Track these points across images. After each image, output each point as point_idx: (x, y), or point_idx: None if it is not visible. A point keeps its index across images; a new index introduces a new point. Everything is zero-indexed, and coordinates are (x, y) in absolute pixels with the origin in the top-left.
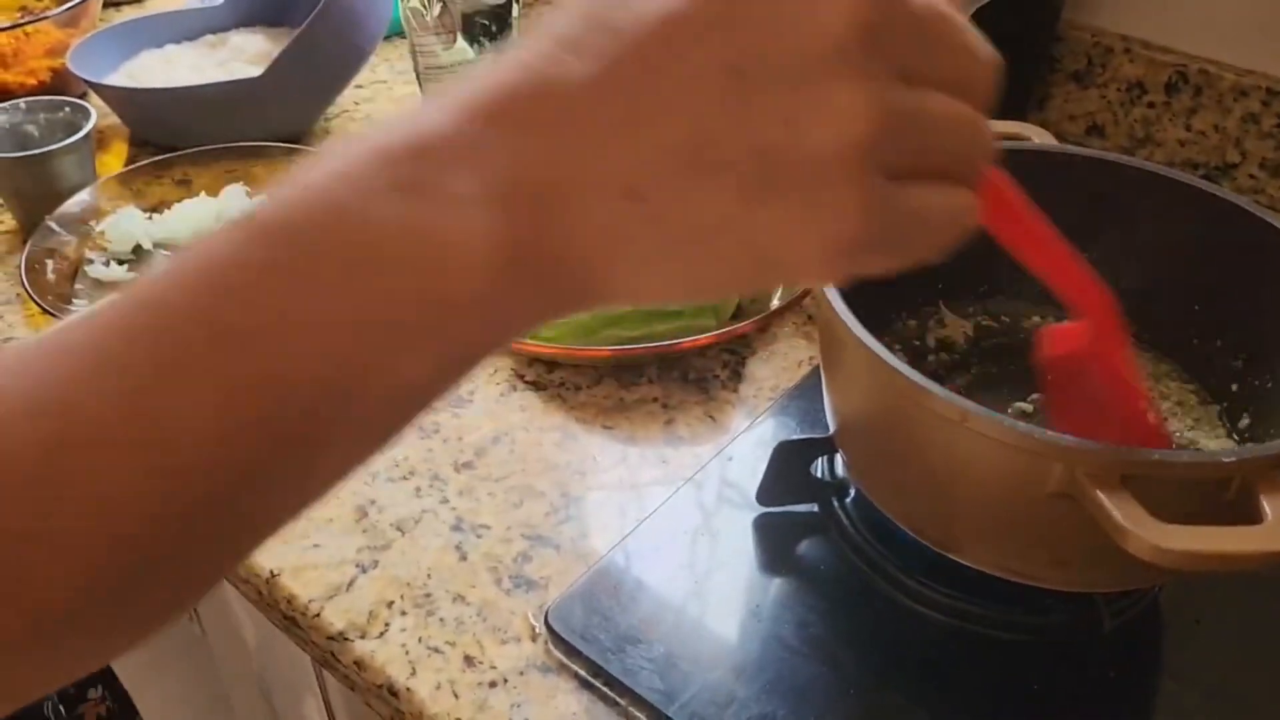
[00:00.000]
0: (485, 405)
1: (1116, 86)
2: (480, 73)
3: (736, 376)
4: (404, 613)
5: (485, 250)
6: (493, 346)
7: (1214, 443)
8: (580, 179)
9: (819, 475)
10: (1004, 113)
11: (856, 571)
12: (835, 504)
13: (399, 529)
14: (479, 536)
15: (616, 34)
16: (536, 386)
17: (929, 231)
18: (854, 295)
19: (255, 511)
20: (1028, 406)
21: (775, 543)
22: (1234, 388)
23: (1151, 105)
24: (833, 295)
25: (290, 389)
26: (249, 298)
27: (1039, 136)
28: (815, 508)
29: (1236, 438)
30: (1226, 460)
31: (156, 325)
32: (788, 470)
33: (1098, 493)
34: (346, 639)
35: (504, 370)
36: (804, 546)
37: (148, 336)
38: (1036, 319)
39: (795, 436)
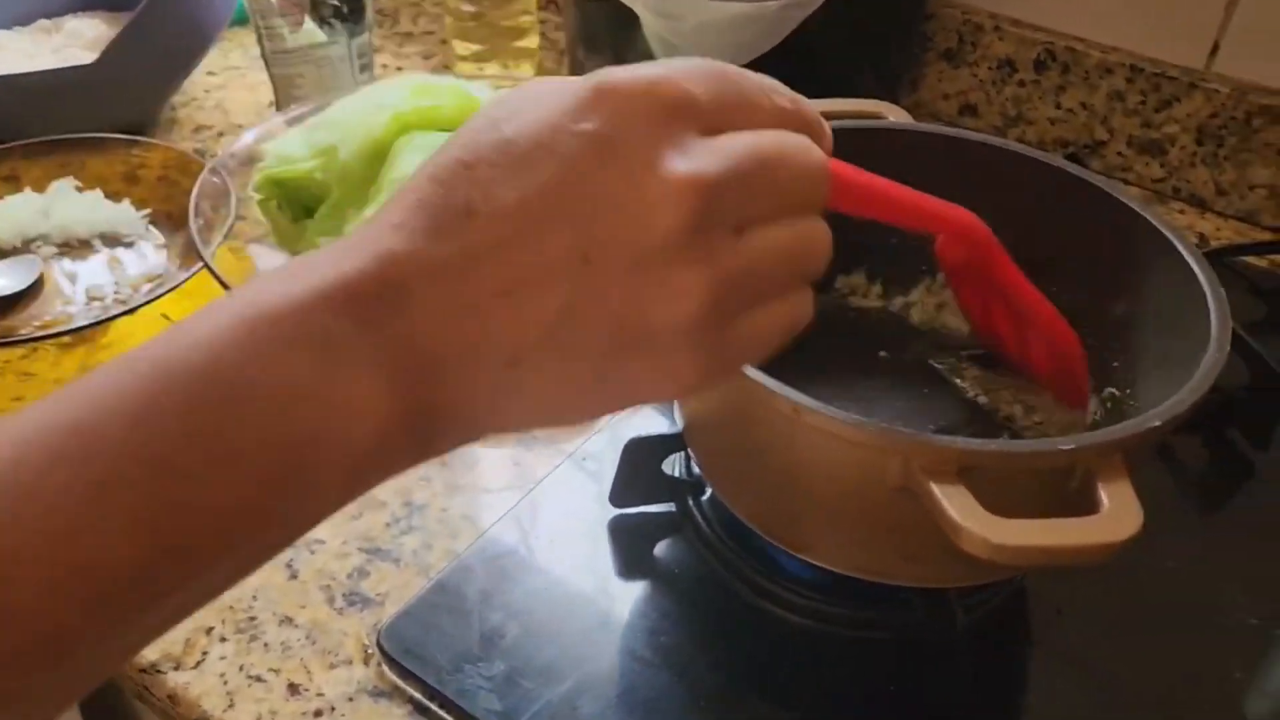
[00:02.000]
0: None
1: (987, 65)
2: (358, 240)
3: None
4: (224, 639)
5: (383, 409)
6: (385, 478)
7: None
8: (463, 352)
9: (674, 473)
10: (879, 93)
11: (712, 574)
12: (691, 503)
13: None
14: (312, 552)
15: (479, 222)
16: None
17: (766, 346)
18: None
19: (157, 621)
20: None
21: (630, 546)
22: (1094, 368)
23: (1022, 84)
24: None
25: (204, 520)
26: (179, 434)
27: (893, 115)
28: (673, 507)
29: (1095, 422)
30: (1064, 448)
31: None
32: (640, 469)
33: (933, 487)
34: (160, 671)
35: None
36: (661, 549)
37: (70, 465)
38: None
39: (643, 434)
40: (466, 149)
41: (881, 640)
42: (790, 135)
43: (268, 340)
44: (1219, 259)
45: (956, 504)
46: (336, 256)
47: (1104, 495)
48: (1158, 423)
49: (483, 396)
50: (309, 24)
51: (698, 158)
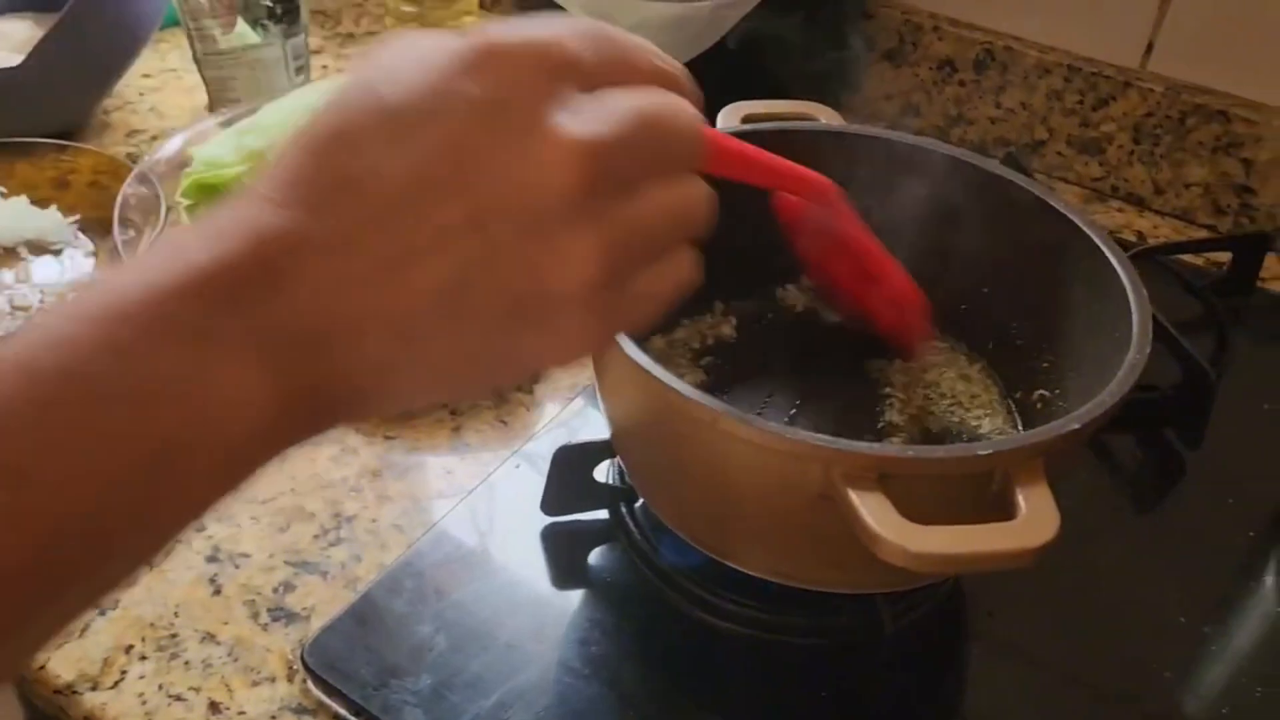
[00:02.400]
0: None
1: (928, 65)
2: (229, 219)
3: (534, 377)
4: (144, 657)
5: (260, 398)
6: (270, 460)
7: (1008, 431)
8: (350, 327)
9: (607, 480)
10: (819, 94)
11: (645, 582)
12: (624, 510)
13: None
14: (237, 566)
15: (361, 195)
16: None
17: (655, 306)
18: None
19: (38, 631)
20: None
21: (564, 555)
22: (1023, 369)
23: (962, 84)
24: None
25: (69, 527)
26: (34, 437)
27: (825, 116)
28: (606, 514)
29: (1024, 423)
30: (982, 453)
31: None
32: (571, 477)
33: (851, 495)
34: (75, 691)
35: None
36: (595, 556)
37: None
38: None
39: (575, 441)
40: (343, 117)
41: (814, 646)
42: (669, 95)
43: (131, 335)
44: (1154, 257)
45: (874, 512)
46: (207, 239)
47: (1022, 500)
48: (1076, 426)
49: (373, 372)
50: (242, 25)
51: (587, 119)
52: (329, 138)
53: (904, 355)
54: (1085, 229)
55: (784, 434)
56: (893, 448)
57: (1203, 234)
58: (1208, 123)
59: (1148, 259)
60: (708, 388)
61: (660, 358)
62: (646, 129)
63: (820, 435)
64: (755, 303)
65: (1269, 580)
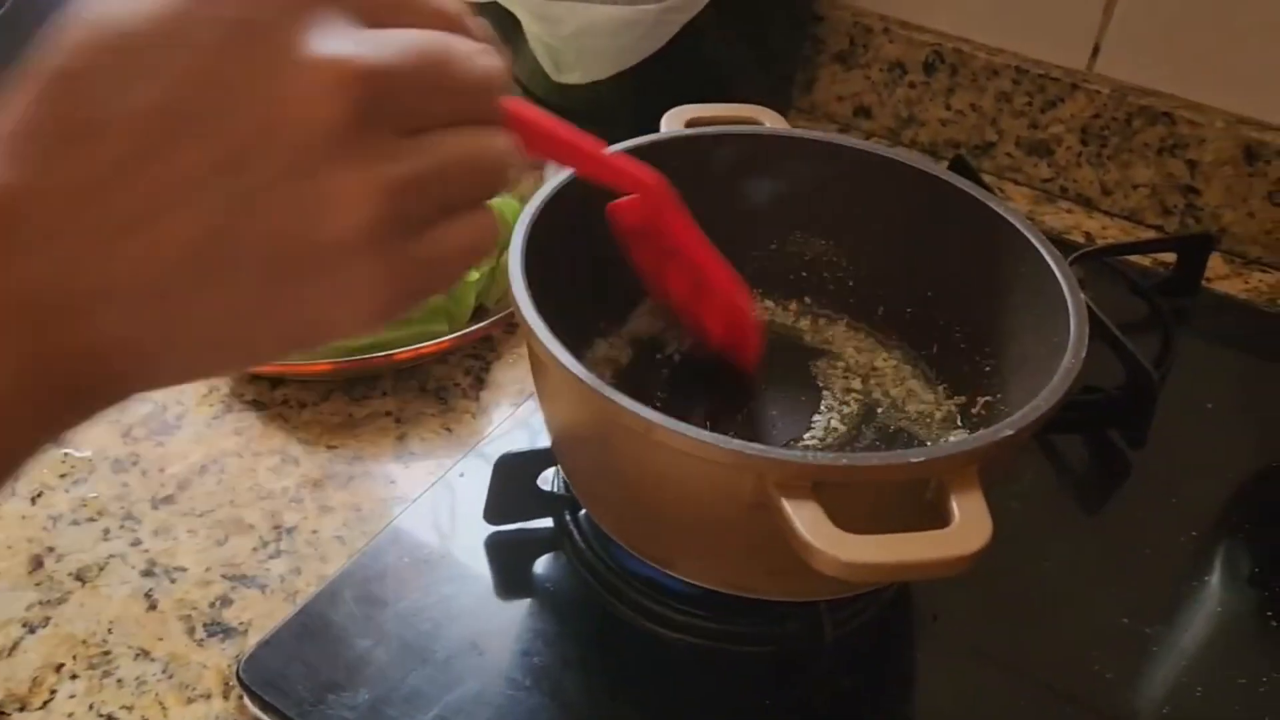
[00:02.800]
0: (195, 430)
1: (879, 67)
2: None
3: (479, 383)
4: (75, 676)
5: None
6: (26, 453)
7: (952, 435)
8: (93, 291)
9: (551, 489)
10: (772, 96)
11: (589, 591)
12: (569, 518)
13: (79, 578)
14: (173, 581)
15: (97, 141)
16: (256, 406)
17: (456, 265)
18: (565, 307)
19: None
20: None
21: (508, 564)
22: (967, 373)
23: (913, 85)
24: (528, 310)
25: None
26: None
27: (770, 121)
28: (550, 522)
29: (969, 427)
30: (915, 461)
31: None
32: (514, 485)
33: (785, 504)
34: (3, 713)
35: (220, 390)
36: (540, 566)
37: None
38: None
39: (516, 449)
40: (72, 56)
41: (760, 654)
42: (462, 39)
43: None
44: (1101, 258)
45: (807, 521)
46: None
47: (955, 508)
48: (1010, 432)
49: (127, 341)
50: None
51: (356, 43)
52: (57, 78)
53: (742, 371)
54: (1025, 233)
55: (717, 443)
56: (826, 456)
57: (1150, 234)
58: (1153, 124)
59: (1095, 260)
60: (651, 392)
61: (605, 363)
62: (432, 65)
63: (754, 444)
64: None
65: (1210, 580)
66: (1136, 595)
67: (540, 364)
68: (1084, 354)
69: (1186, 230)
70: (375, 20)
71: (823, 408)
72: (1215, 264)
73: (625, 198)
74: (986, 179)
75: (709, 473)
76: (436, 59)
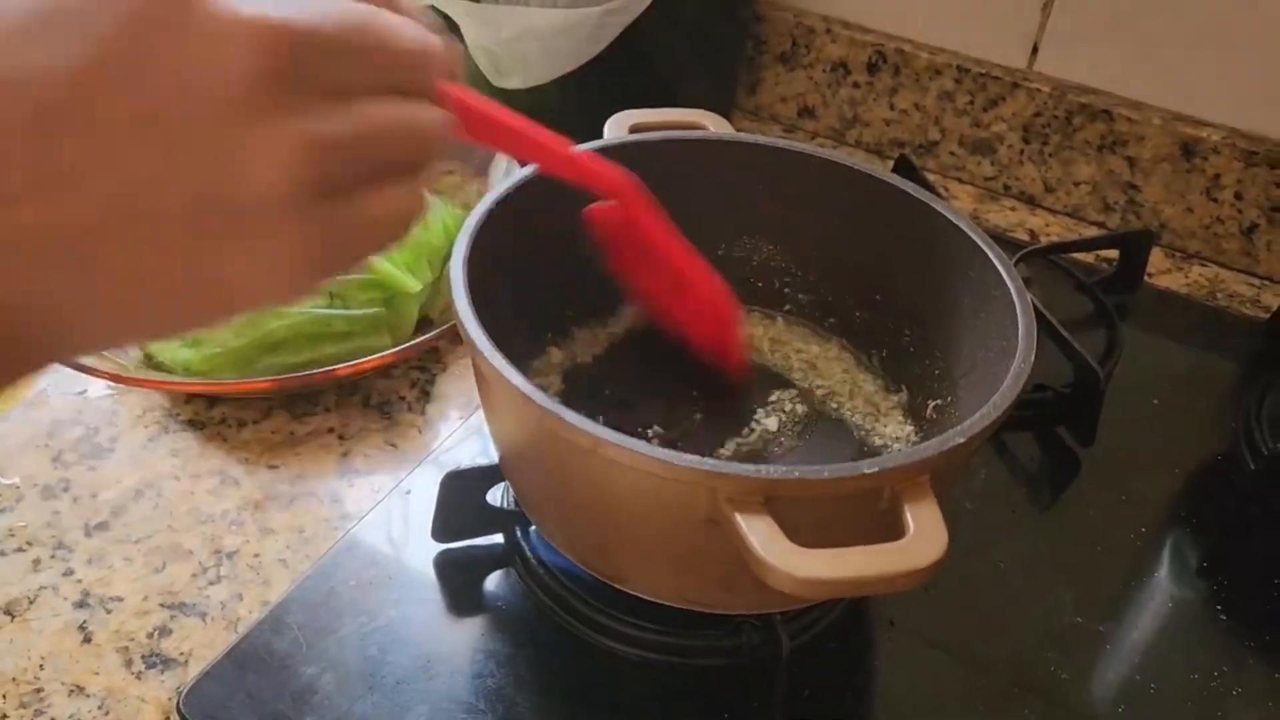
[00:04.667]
0: (129, 452)
1: (822, 67)
2: None
3: (425, 396)
4: (5, 716)
5: None
6: None
7: (903, 440)
8: (5, 250)
9: (500, 504)
10: (717, 97)
11: (541, 607)
12: (519, 534)
13: (8, 613)
14: (109, 611)
15: (10, 98)
16: (194, 426)
17: (382, 233)
18: (516, 314)
19: None
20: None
21: (458, 583)
22: (917, 376)
23: (856, 85)
24: (471, 323)
25: None
26: None
27: (714, 125)
28: (501, 539)
29: (920, 432)
30: (868, 471)
31: None
32: (462, 502)
33: (738, 519)
34: None
35: (155, 410)
36: (490, 583)
37: None
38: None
39: (463, 466)
40: None
41: (716, 667)
42: (390, 13)
43: None
44: (1045, 256)
45: (760, 537)
46: None
47: (910, 518)
48: (961, 440)
49: (43, 295)
50: None
51: (276, 4)
52: None
53: (726, 375)
54: (971, 235)
55: (668, 459)
56: (778, 469)
57: (1093, 230)
58: (1093, 121)
59: (1040, 258)
60: (605, 404)
61: (557, 370)
62: (359, 32)
63: (705, 459)
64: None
65: (1160, 575)
66: (1089, 593)
67: (484, 379)
68: (1033, 359)
69: (1128, 226)
70: None
71: (771, 410)
72: (1157, 259)
73: (601, 202)
74: (931, 178)
75: (659, 488)
76: (361, 26)
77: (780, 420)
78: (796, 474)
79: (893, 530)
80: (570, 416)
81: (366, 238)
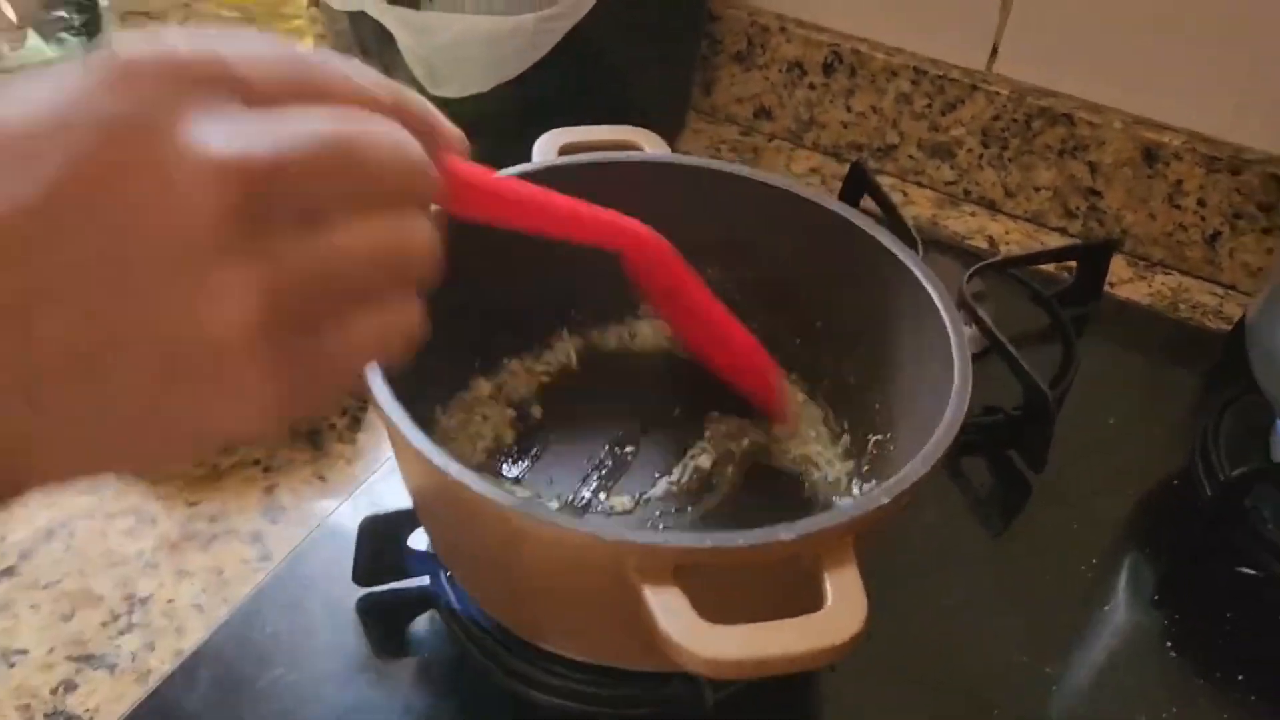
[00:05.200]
0: (40, 493)
1: (777, 67)
2: None
3: (356, 424)
4: None
5: None
6: None
7: (842, 479)
8: None
9: (422, 547)
10: (671, 98)
11: (466, 657)
12: (444, 576)
13: None
14: (11, 665)
15: None
16: None
17: (359, 360)
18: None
19: None
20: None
21: (381, 628)
22: (861, 413)
23: (812, 86)
24: (373, 377)
25: None
26: None
27: (650, 145)
28: (426, 581)
29: (860, 470)
30: (785, 539)
31: None
32: (382, 544)
33: (645, 592)
34: None
35: None
36: (418, 626)
37: None
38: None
39: (383, 509)
40: None
41: (642, 718)
42: (375, 118)
43: None
44: (1005, 269)
45: (668, 611)
46: None
47: (829, 586)
48: (885, 501)
49: (5, 435)
50: (34, 38)
51: (242, 134)
52: None
53: (773, 421)
54: (910, 266)
55: (574, 527)
56: (689, 538)
57: (1054, 236)
58: (1053, 125)
59: (999, 272)
60: (535, 432)
61: (489, 402)
62: (335, 151)
63: (613, 527)
64: (605, 333)
65: (1108, 612)
66: (1036, 630)
67: (393, 435)
68: (966, 405)
69: (1090, 233)
70: (271, 101)
71: (706, 445)
72: (1119, 266)
73: (631, 254)
74: (890, 182)
75: (567, 555)
76: (343, 144)
77: (714, 458)
78: (709, 542)
79: (811, 595)
80: (476, 485)
81: (341, 368)
